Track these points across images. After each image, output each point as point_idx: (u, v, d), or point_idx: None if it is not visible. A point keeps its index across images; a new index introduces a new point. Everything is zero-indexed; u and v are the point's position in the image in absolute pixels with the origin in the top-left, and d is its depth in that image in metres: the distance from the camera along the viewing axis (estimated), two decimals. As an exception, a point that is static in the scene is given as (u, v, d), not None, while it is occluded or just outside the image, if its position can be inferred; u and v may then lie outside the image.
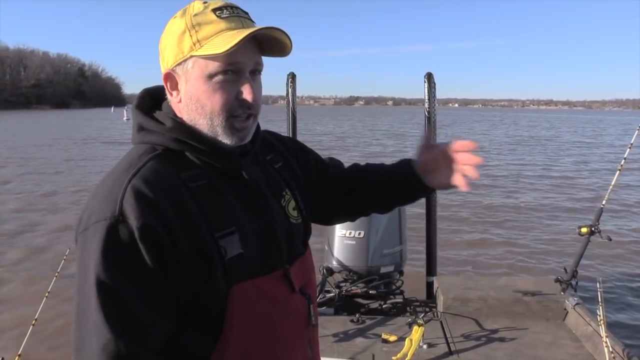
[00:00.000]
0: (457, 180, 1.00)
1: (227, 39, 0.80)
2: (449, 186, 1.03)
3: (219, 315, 0.81)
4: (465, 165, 0.99)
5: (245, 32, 0.80)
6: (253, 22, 0.87)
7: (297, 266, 0.95)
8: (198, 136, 0.86)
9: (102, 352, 0.71)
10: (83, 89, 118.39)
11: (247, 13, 0.87)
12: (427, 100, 3.15)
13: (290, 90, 3.27)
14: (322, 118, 61.95)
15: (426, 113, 3.16)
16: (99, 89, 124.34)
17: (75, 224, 0.80)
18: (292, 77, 3.28)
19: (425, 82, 3.16)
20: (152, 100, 0.93)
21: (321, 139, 25.07)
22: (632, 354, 2.20)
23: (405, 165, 1.10)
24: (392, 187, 1.12)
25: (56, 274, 2.08)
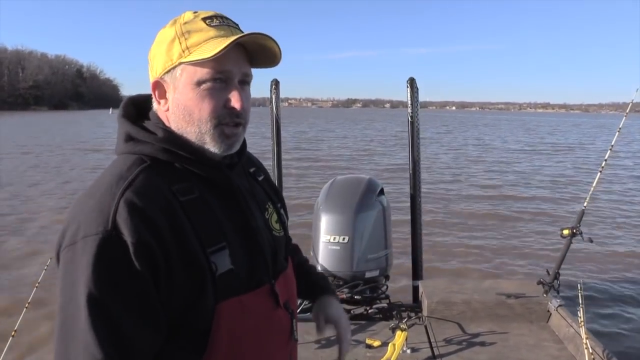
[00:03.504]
0: (319, 335, 1.16)
1: (216, 44, 0.80)
2: (317, 328, 1.16)
3: (205, 332, 0.79)
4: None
5: (233, 38, 0.80)
6: (242, 32, 0.87)
7: (281, 281, 0.95)
8: (187, 146, 0.85)
9: None
10: (81, 91, 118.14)
11: (237, 24, 0.88)
12: (409, 105, 3.17)
13: (273, 97, 3.29)
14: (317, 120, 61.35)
15: (409, 118, 3.19)
16: (97, 91, 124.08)
17: (58, 238, 0.77)
18: (276, 83, 3.30)
19: (407, 87, 3.18)
20: (135, 109, 0.92)
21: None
22: (611, 355, 2.22)
23: (314, 292, 1.21)
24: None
25: (37, 285, 2.03)
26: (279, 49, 0.87)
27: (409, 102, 3.18)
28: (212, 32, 0.83)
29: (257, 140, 18.82)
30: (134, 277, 0.72)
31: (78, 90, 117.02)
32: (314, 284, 1.20)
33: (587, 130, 47.71)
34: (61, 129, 35.06)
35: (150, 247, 0.72)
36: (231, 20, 0.87)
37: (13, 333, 1.95)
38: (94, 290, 0.70)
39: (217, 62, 0.81)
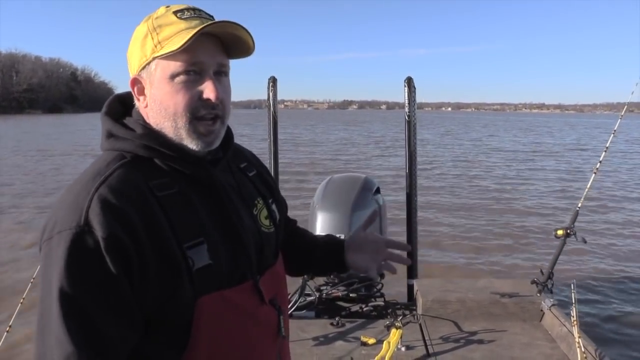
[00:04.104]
0: (371, 267, 1.11)
1: (185, 36, 0.79)
2: (362, 269, 1.12)
3: (186, 327, 0.79)
4: (390, 259, 1.12)
5: (199, 27, 0.79)
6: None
7: (267, 277, 0.94)
8: (166, 142, 0.84)
9: None
10: (76, 94, 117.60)
11: (212, 16, 0.87)
12: (407, 104, 3.20)
13: (271, 94, 3.31)
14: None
15: (406, 117, 3.21)
16: (91, 94, 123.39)
17: (40, 233, 0.78)
18: (273, 81, 3.32)
19: (405, 86, 3.21)
20: (122, 106, 0.92)
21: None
22: (603, 354, 2.23)
23: (337, 239, 1.19)
24: (316, 251, 1.18)
25: (32, 280, 2.05)
26: (252, 38, 0.86)
27: (406, 101, 3.21)
28: (182, 24, 0.82)
29: (254, 143, 18.82)
30: (105, 272, 0.72)
31: (72, 93, 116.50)
32: (326, 246, 1.18)
33: (584, 131, 47.94)
34: (59, 132, 34.95)
35: (122, 242, 0.73)
36: (204, 12, 0.86)
37: (8, 329, 1.95)
38: (65, 284, 0.71)
39: (189, 54, 0.80)
